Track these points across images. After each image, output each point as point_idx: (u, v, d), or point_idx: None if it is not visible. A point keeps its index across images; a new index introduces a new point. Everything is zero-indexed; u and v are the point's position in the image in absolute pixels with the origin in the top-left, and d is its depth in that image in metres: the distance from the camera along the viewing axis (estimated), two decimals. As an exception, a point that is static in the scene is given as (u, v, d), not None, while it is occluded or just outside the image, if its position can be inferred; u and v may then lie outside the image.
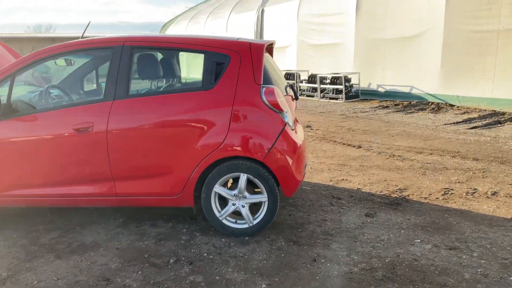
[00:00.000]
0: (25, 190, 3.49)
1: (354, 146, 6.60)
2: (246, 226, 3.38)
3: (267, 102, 3.28)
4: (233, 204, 3.37)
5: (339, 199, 4.22)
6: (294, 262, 2.98)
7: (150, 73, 3.69)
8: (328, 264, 2.94)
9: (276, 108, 3.31)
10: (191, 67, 6.24)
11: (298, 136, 3.60)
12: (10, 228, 3.66)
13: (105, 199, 3.46)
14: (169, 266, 2.94)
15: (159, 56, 3.72)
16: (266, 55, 3.70)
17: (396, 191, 4.42)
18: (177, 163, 3.32)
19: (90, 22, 4.86)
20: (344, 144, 6.79)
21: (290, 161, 3.33)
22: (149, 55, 3.62)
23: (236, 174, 3.31)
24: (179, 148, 3.31)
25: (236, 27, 20.13)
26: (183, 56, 3.56)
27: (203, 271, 2.87)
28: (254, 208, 3.45)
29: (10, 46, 6.92)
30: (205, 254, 3.12)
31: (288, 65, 16.23)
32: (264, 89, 3.29)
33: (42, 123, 3.40)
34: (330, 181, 4.85)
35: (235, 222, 3.41)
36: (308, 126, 8.46)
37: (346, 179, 4.89)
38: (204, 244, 3.28)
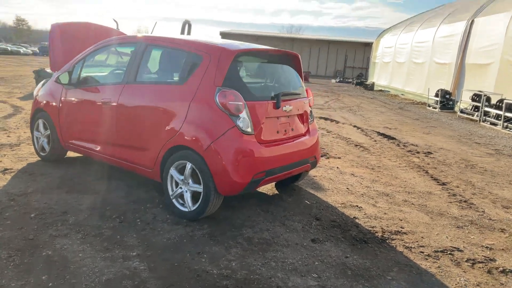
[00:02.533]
0: (79, 142, 4.78)
1: None
2: (186, 210, 3.76)
3: (218, 103, 3.56)
4: (180, 188, 3.80)
5: (318, 219, 4.03)
6: (180, 247, 3.24)
7: (151, 66, 4.39)
8: (206, 260, 3.09)
9: (227, 110, 3.53)
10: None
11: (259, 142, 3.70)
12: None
13: (110, 158, 4.42)
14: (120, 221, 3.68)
15: (160, 52, 4.37)
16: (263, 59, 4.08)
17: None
18: (152, 142, 3.96)
19: (156, 22, 5.88)
20: None
21: (227, 160, 3.51)
22: (153, 51, 4.32)
23: (184, 162, 3.73)
24: (154, 130, 3.94)
25: (442, 38, 18.46)
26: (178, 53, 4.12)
27: (129, 224, 3.48)
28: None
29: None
30: (140, 219, 3.69)
31: (484, 85, 14.05)
32: (220, 91, 3.56)
33: (90, 95, 4.59)
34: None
35: (182, 205, 3.83)
36: None
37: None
38: (150, 213, 3.84)
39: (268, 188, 4.85)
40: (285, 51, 4.31)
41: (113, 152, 4.36)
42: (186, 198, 3.75)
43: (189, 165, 3.67)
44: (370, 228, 3.89)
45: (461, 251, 3.55)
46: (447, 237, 3.82)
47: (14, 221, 3.49)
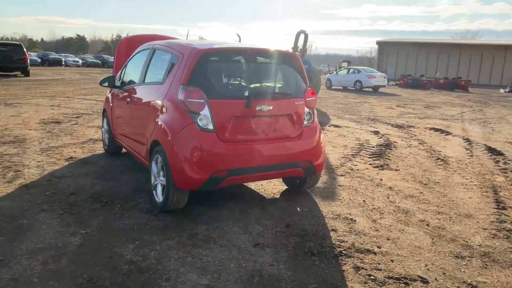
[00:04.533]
0: (120, 137, 5.51)
1: None
2: (157, 201, 4.02)
3: (180, 101, 3.73)
4: (156, 180, 4.07)
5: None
6: (125, 233, 3.50)
7: (153, 68, 4.72)
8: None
9: (186, 107, 3.68)
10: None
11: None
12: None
13: (131, 151, 4.98)
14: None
15: (160, 55, 4.66)
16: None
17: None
18: (144, 136, 4.34)
19: (188, 30, 6.16)
20: None
21: (183, 156, 3.64)
22: (156, 54, 4.67)
23: (157, 155, 3.99)
24: (145, 125, 4.31)
25: None
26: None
27: (109, 208, 3.95)
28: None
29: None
30: (121, 205, 4.09)
31: None
32: (183, 89, 3.74)
33: (123, 95, 5.26)
34: None
35: (156, 196, 4.09)
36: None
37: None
38: (135, 202, 4.21)
39: (270, 191, 4.72)
40: (269, 50, 4.17)
41: (132, 146, 4.89)
42: (158, 190, 3.98)
43: (159, 158, 3.91)
44: (337, 242, 3.47)
45: (426, 282, 2.89)
46: (426, 265, 3.14)
47: (31, 195, 4.27)
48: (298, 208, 4.24)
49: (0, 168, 5.20)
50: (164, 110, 3.90)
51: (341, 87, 26.89)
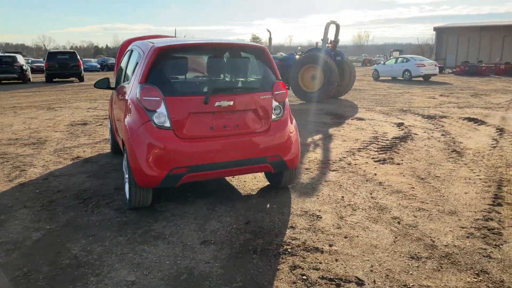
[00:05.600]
0: (118, 135, 5.71)
1: None
2: (126, 198, 4.13)
3: (136, 99, 3.81)
4: (125, 178, 4.19)
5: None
6: (86, 229, 3.65)
7: (129, 68, 4.76)
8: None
9: (142, 105, 3.75)
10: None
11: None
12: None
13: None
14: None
15: (133, 55, 4.68)
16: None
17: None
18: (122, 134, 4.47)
19: (175, 29, 6.16)
20: None
21: (139, 154, 3.70)
22: (132, 54, 4.73)
23: (125, 154, 4.10)
24: (120, 125, 4.44)
25: None
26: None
27: (84, 205, 4.15)
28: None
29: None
30: (97, 203, 4.27)
31: None
32: (139, 87, 3.80)
33: (115, 96, 5.44)
34: None
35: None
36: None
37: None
38: (110, 200, 4.36)
39: (250, 187, 4.66)
40: (232, 44, 4.11)
41: (120, 145, 5.06)
42: (126, 187, 4.09)
43: (125, 156, 4.01)
44: (288, 240, 3.36)
45: (361, 285, 2.72)
46: (372, 266, 2.95)
47: (22, 193, 4.57)
48: (268, 204, 4.15)
49: (10, 167, 5.61)
50: (128, 109, 3.99)
51: (389, 78, 25.79)
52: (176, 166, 3.70)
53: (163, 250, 3.21)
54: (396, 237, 3.38)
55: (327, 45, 13.93)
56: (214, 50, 4.21)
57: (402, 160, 5.81)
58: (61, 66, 22.89)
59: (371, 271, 2.88)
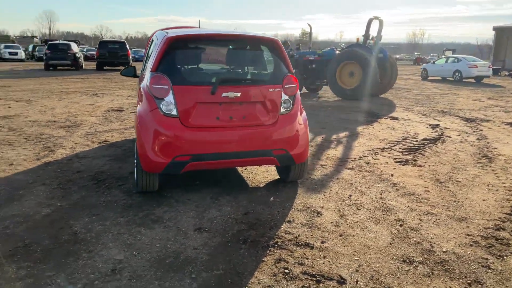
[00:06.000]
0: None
1: None
2: (135, 182, 4.28)
3: (148, 87, 3.92)
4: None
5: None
6: (93, 209, 3.82)
7: (149, 57, 4.89)
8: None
9: (152, 93, 3.85)
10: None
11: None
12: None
13: None
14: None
15: (153, 44, 4.80)
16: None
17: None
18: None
19: (200, 20, 6.16)
20: None
21: (146, 139, 3.82)
22: (152, 43, 4.85)
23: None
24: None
25: None
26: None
27: (96, 186, 4.37)
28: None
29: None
30: (110, 184, 4.45)
31: None
32: (150, 75, 3.91)
33: (140, 79, 5.60)
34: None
35: (140, 176, 4.34)
36: None
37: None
38: (123, 182, 4.53)
39: (259, 180, 4.68)
40: (244, 36, 4.10)
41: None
42: (135, 172, 4.23)
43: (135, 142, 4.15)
44: (281, 234, 3.35)
45: (342, 283, 2.67)
46: (359, 266, 2.88)
47: (44, 171, 4.86)
48: (272, 198, 4.14)
49: (41, 147, 5.97)
50: (140, 96, 4.12)
51: (439, 78, 24.69)
52: (180, 154, 3.77)
53: (158, 234, 3.29)
54: (393, 239, 3.27)
55: (368, 41, 13.55)
56: (227, 41, 4.23)
57: (425, 162, 5.58)
58: (111, 55, 23.90)
59: (357, 271, 2.81)
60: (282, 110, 4.07)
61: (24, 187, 4.29)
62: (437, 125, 8.49)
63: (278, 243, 3.17)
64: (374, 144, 6.69)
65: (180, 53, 4.05)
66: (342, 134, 7.46)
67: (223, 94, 3.82)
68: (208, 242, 3.18)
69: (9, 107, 9.74)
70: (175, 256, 2.96)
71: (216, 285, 2.60)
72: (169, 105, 3.76)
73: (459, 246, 3.18)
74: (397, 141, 6.89)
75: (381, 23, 13.66)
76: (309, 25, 14.86)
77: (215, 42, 4.22)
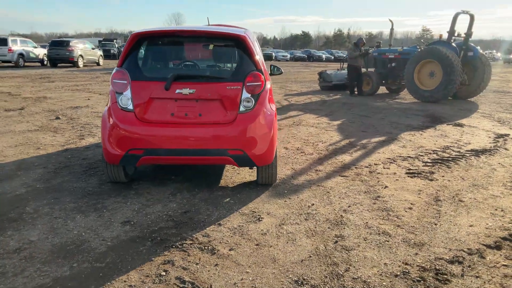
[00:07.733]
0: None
1: None
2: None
3: (111, 82, 4.13)
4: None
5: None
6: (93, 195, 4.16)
7: None
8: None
9: (113, 88, 4.05)
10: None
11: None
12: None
13: None
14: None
15: None
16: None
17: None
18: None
19: (208, 18, 6.05)
20: None
21: (104, 131, 4.00)
22: None
23: (111, 131, 4.47)
24: None
25: None
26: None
27: (94, 173, 4.77)
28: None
29: None
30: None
31: None
32: (114, 70, 4.11)
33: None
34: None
35: (130, 168, 4.57)
36: None
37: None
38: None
39: (234, 179, 4.57)
40: (209, 32, 4.02)
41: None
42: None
43: (108, 135, 4.38)
44: (198, 235, 3.24)
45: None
46: (241, 280, 2.67)
47: (57, 156, 5.41)
48: (228, 199, 4.02)
49: (75, 135, 6.63)
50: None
51: None
52: (133, 148, 3.87)
53: (87, 222, 3.44)
54: (310, 256, 2.93)
55: (453, 38, 12.12)
56: (191, 37, 4.19)
57: (443, 176, 4.84)
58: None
59: (234, 284, 2.59)
60: (242, 108, 3.91)
61: (26, 169, 4.83)
62: (505, 135, 7.25)
63: (184, 244, 3.08)
64: (402, 152, 6.00)
65: (143, 49, 4.15)
66: (376, 139, 6.83)
67: (177, 91, 3.81)
68: (121, 235, 3.22)
69: (88, 99, 10.96)
70: (79, 244, 3.06)
71: (86, 277, 2.64)
72: (126, 99, 3.88)
73: (380, 275, 2.72)
74: (433, 151, 6.08)
75: (471, 18, 12.11)
76: (390, 21, 13.84)
77: (179, 38, 4.21)
